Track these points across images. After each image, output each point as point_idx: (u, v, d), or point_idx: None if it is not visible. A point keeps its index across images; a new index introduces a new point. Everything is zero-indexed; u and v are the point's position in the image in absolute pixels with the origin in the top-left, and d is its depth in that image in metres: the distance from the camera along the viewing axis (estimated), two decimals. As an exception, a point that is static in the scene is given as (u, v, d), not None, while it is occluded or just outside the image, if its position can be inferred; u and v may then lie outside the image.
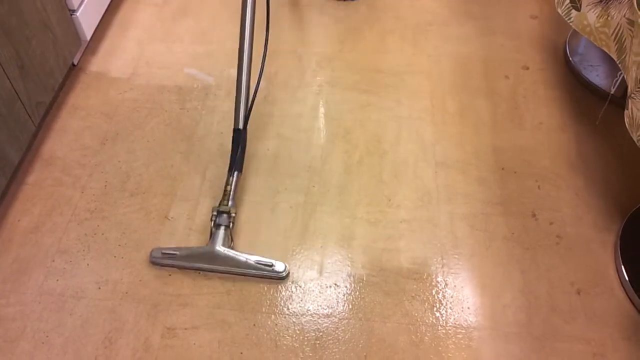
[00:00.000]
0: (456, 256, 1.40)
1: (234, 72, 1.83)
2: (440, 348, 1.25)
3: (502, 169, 1.58)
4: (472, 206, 1.49)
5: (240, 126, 1.46)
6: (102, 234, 1.43)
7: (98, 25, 1.90)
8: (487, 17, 2.04)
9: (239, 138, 1.45)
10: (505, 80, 1.81)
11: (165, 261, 1.36)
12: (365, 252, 1.40)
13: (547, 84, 1.80)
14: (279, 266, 1.35)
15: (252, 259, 1.34)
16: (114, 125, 1.67)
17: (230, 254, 1.34)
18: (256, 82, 1.49)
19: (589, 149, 1.62)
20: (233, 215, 1.40)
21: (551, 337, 1.26)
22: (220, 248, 1.35)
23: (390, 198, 1.51)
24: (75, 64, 1.83)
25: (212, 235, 1.37)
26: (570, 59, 1.82)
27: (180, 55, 1.88)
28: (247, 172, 1.56)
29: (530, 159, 1.60)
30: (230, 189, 1.42)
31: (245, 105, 1.46)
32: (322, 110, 1.72)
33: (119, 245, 1.41)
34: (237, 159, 1.44)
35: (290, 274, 1.36)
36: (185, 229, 1.44)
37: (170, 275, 1.36)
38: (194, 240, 1.42)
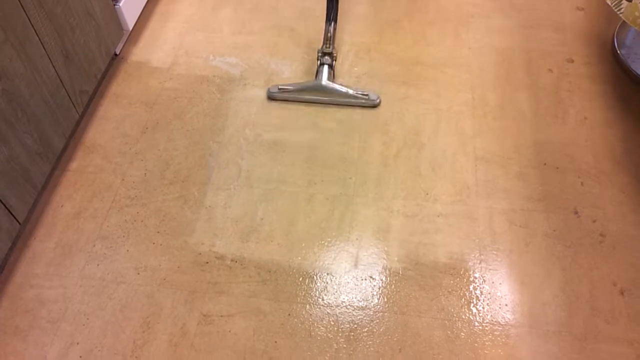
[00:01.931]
0: (494, 252, 1.38)
1: (272, 62, 1.83)
2: (476, 344, 1.23)
3: (544, 164, 1.54)
4: (512, 202, 1.46)
5: None
6: (142, 221, 1.45)
7: (140, 16, 1.93)
8: (531, 9, 1.99)
9: None
10: (549, 74, 1.77)
11: (281, 95, 1.69)
12: (401, 245, 1.39)
13: (593, 77, 1.75)
14: (373, 96, 1.67)
15: (351, 90, 1.67)
16: (154, 114, 1.69)
17: (334, 86, 1.67)
18: None
19: (636, 145, 1.57)
20: (335, 55, 1.73)
21: (592, 338, 1.23)
22: (326, 82, 1.67)
23: (427, 191, 1.49)
24: (118, 53, 1.86)
25: (318, 72, 1.70)
26: (618, 52, 1.76)
27: (219, 46, 1.89)
28: (282, 161, 1.56)
29: (573, 155, 1.55)
30: (331, 35, 1.72)
31: None
32: (360, 101, 1.71)
33: (158, 232, 1.43)
34: (333, 10, 1.72)
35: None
36: (223, 217, 1.45)
37: (207, 262, 1.37)
38: (231, 229, 1.43)
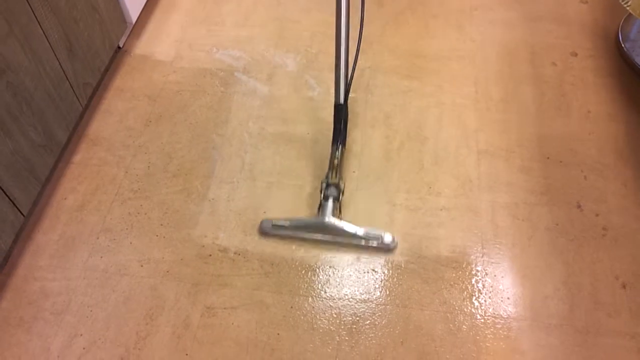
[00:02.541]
0: (497, 245, 1.38)
1: (276, 55, 1.83)
2: (478, 337, 1.24)
3: (547, 158, 1.54)
4: (515, 195, 1.46)
5: (342, 101, 1.43)
6: (145, 214, 1.46)
7: (143, 9, 1.93)
8: (535, 2, 1.98)
9: (341, 113, 1.44)
10: (553, 67, 1.76)
11: (275, 232, 1.41)
12: (404, 238, 1.39)
13: (597, 71, 1.74)
14: (387, 237, 1.37)
15: (361, 230, 1.37)
16: (158, 108, 1.70)
17: (341, 225, 1.37)
18: (354, 57, 1.43)
19: (639, 138, 1.56)
20: (342, 187, 1.42)
21: (594, 331, 1.23)
22: (330, 219, 1.36)
23: (430, 185, 1.49)
24: (121, 46, 1.86)
25: (322, 207, 1.39)
26: (622, 45, 1.76)
27: (222, 39, 1.89)
28: (285, 154, 1.56)
29: (576, 148, 1.55)
30: (337, 162, 1.42)
31: (345, 80, 1.43)
32: (362, 94, 1.71)
33: (161, 224, 1.44)
34: (341, 134, 1.45)
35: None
36: (226, 210, 1.46)
37: (210, 255, 1.38)
38: (234, 222, 1.43)
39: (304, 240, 1.40)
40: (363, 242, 1.38)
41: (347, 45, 1.41)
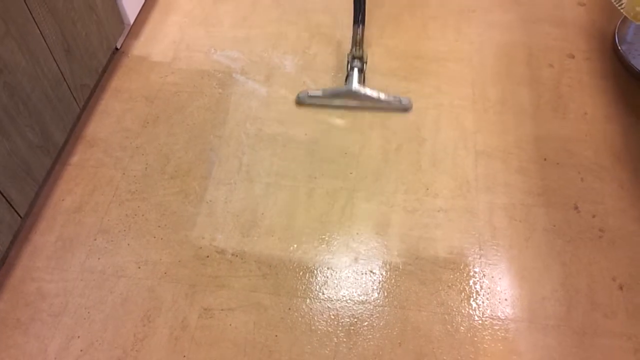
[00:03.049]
0: (494, 247, 1.38)
1: (273, 57, 1.83)
2: (475, 338, 1.24)
3: (544, 159, 1.54)
4: (512, 196, 1.47)
5: None
6: (142, 215, 1.46)
7: (141, 10, 1.92)
8: (532, 4, 1.98)
9: None
10: (550, 69, 1.77)
11: (310, 101, 1.66)
12: (401, 240, 1.39)
13: (593, 73, 1.75)
14: (405, 100, 1.65)
15: (383, 95, 1.64)
16: (155, 109, 1.69)
17: (365, 91, 1.64)
18: None
19: (636, 140, 1.57)
20: (365, 59, 1.67)
21: (591, 332, 1.24)
22: (357, 87, 1.63)
23: (428, 186, 1.49)
24: (119, 47, 1.86)
25: (349, 77, 1.66)
26: (619, 47, 1.76)
27: (220, 40, 1.89)
28: (283, 155, 1.56)
29: (573, 150, 1.56)
30: (359, 37, 1.63)
31: None
32: (360, 96, 1.71)
33: (159, 226, 1.43)
34: (361, 12, 1.62)
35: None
36: (223, 211, 1.46)
37: (207, 256, 1.37)
38: (232, 223, 1.43)
39: (336, 108, 1.66)
40: (385, 105, 1.65)
41: None
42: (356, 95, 1.63)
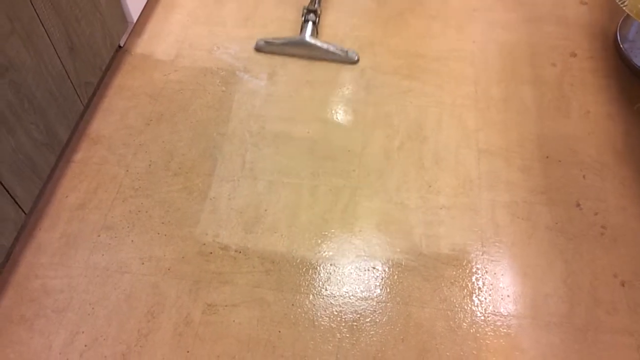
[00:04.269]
0: (497, 244, 1.38)
1: (276, 55, 1.84)
2: (478, 335, 1.24)
3: (547, 157, 1.55)
4: (515, 194, 1.47)
5: None
6: (146, 212, 1.46)
7: (144, 8, 1.93)
8: (535, 3, 1.99)
9: None
10: (552, 68, 1.77)
11: (267, 47, 1.80)
12: (404, 237, 1.40)
13: (596, 71, 1.75)
14: (352, 53, 1.78)
15: (332, 47, 1.77)
16: (158, 106, 1.70)
17: (316, 43, 1.77)
18: None
19: (638, 138, 1.57)
20: (319, 12, 1.82)
21: (593, 329, 1.24)
22: (308, 38, 1.77)
23: (430, 184, 1.50)
24: (122, 45, 1.87)
25: (302, 28, 1.80)
26: (621, 46, 1.77)
27: (223, 38, 1.90)
28: (286, 152, 1.57)
29: (575, 148, 1.56)
30: None
31: None
32: (363, 94, 1.72)
33: (162, 223, 1.44)
34: None
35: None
36: (227, 208, 1.46)
37: (211, 253, 1.38)
38: (235, 220, 1.44)
39: (289, 56, 1.80)
40: (332, 56, 1.77)
41: None
42: (307, 45, 1.77)
